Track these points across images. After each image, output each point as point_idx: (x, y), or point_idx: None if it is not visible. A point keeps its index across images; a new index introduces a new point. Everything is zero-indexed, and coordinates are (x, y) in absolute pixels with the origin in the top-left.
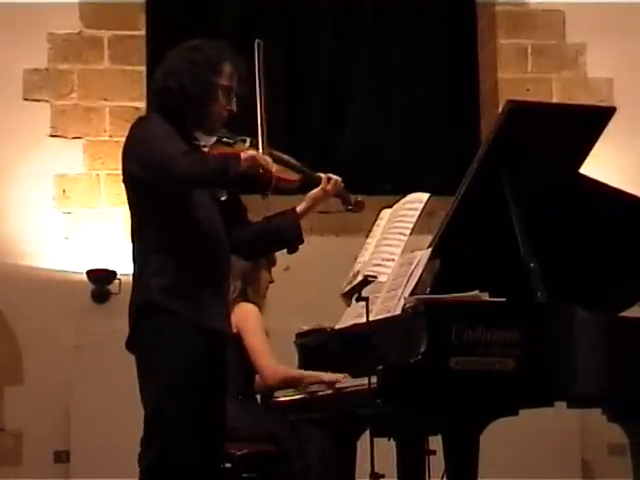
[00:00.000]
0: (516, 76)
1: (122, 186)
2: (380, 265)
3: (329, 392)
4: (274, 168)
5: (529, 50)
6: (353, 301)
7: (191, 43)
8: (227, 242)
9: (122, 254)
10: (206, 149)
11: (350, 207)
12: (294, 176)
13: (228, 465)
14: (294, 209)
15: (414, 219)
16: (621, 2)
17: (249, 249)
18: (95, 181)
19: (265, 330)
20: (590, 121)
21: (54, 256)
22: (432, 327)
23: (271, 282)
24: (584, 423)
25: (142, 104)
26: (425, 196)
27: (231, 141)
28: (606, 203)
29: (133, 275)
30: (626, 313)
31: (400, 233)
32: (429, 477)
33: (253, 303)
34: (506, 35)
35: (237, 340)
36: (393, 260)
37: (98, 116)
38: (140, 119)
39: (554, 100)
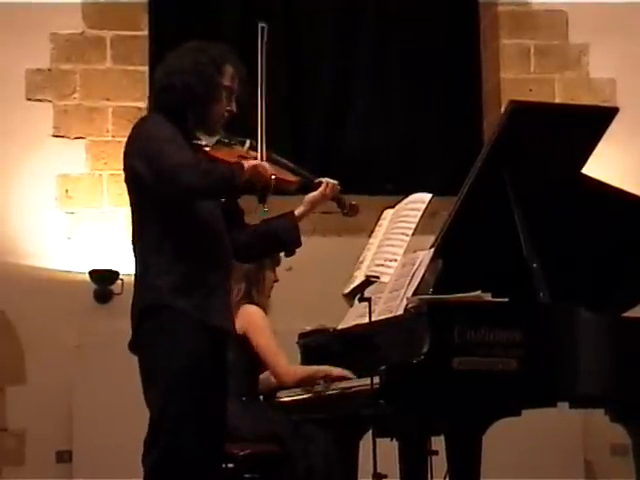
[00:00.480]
0: (519, 76)
1: (124, 186)
2: (382, 265)
3: (332, 392)
4: (273, 176)
5: (532, 50)
6: (356, 301)
7: (193, 44)
8: (229, 242)
9: (125, 254)
10: (207, 149)
11: (345, 211)
12: (292, 177)
13: (231, 465)
14: (292, 212)
15: (416, 219)
16: (624, 2)
17: (247, 252)
18: (98, 181)
19: (273, 331)
20: (593, 121)
21: (57, 256)
22: (435, 327)
23: (276, 281)
24: (587, 423)
25: (144, 104)
26: (427, 196)
27: (231, 142)
28: (608, 203)
29: (135, 276)
30: (629, 313)
31: (402, 233)
32: (431, 477)
33: (258, 304)
34: (509, 35)
35: (241, 341)
36: (395, 260)
37: (101, 116)
38: (142, 119)
39: (557, 100)
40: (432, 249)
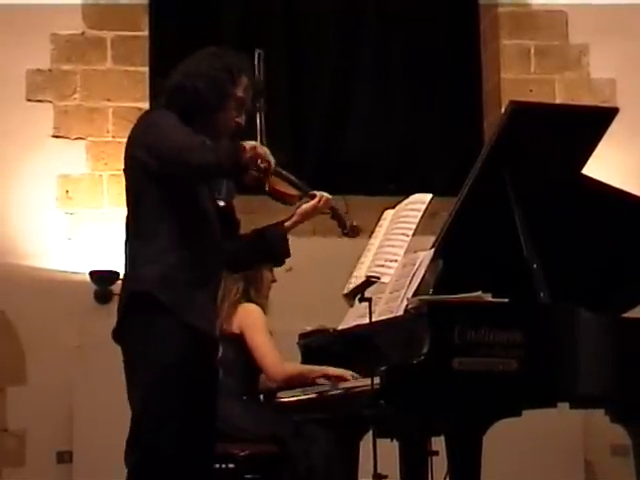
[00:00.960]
0: (519, 77)
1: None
2: (383, 266)
3: (333, 392)
4: (273, 160)
5: (532, 51)
6: (356, 302)
7: (213, 49)
8: (221, 246)
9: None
10: None
11: (346, 231)
12: (292, 191)
13: (231, 465)
14: (282, 223)
15: (417, 220)
16: (624, 3)
17: (236, 262)
18: (98, 182)
19: (269, 330)
20: (593, 122)
21: (57, 257)
22: (435, 328)
23: (273, 281)
24: (587, 424)
25: (145, 105)
26: (428, 197)
27: None
28: (609, 204)
29: (125, 266)
30: (629, 314)
31: (403, 234)
32: (432, 478)
33: (256, 303)
34: (509, 36)
35: (240, 341)
36: (396, 261)
37: (101, 117)
38: (147, 112)
39: (557, 101)
40: (432, 249)
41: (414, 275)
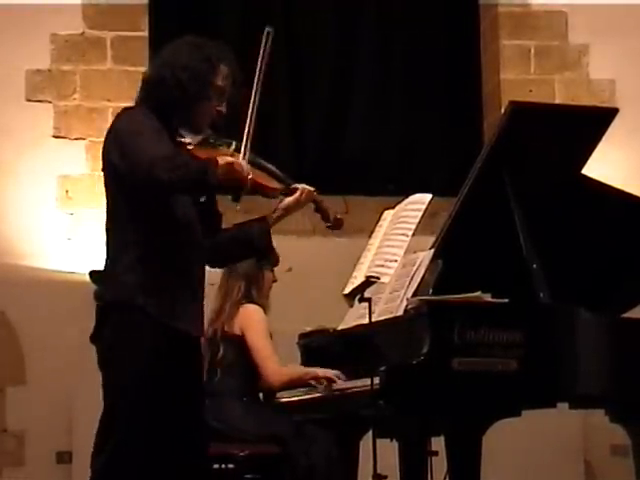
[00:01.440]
0: (519, 77)
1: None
2: (383, 266)
3: (333, 393)
4: (250, 174)
5: (532, 51)
6: (356, 302)
7: (190, 39)
8: (203, 245)
9: None
10: (191, 147)
11: (329, 224)
12: (274, 184)
13: (231, 466)
14: (265, 218)
15: (416, 220)
16: (624, 3)
17: (218, 256)
18: (98, 182)
19: (269, 332)
20: (593, 122)
21: (57, 257)
22: (434, 328)
23: (274, 281)
24: (587, 424)
25: None
26: (427, 197)
27: (216, 143)
28: (608, 204)
29: (104, 268)
30: (629, 314)
31: (402, 234)
32: (431, 478)
33: (257, 304)
34: (509, 36)
35: (241, 342)
36: (396, 261)
37: (101, 117)
38: (125, 109)
39: (557, 101)
40: (432, 250)
41: (414, 275)
